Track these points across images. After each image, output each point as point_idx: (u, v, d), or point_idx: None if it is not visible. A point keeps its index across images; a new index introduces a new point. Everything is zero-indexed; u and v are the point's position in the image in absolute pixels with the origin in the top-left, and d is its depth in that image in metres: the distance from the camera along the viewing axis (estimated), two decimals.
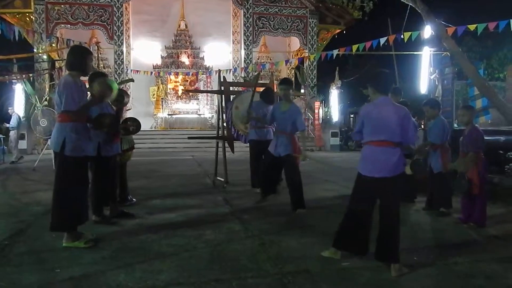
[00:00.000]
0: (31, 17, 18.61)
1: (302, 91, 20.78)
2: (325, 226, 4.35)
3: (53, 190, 3.64)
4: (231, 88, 7.68)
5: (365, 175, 3.20)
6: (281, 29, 21.14)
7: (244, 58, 20.74)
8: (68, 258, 3.28)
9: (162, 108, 20.71)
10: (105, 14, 19.28)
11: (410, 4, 7.47)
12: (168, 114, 20.53)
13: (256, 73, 19.96)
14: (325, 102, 19.68)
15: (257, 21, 20.83)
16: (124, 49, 19.84)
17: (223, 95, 7.21)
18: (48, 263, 3.19)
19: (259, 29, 20.93)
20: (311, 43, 21.20)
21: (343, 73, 23.02)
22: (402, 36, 10.74)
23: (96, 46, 15.48)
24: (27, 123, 13.61)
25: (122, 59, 19.69)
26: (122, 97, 4.73)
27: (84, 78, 3.95)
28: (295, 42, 22.59)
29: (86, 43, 16.33)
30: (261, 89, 6.49)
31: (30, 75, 15.99)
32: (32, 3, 18.20)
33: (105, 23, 19.28)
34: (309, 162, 11.92)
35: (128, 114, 11.47)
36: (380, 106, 3.20)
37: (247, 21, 20.70)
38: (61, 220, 3.57)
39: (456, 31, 8.88)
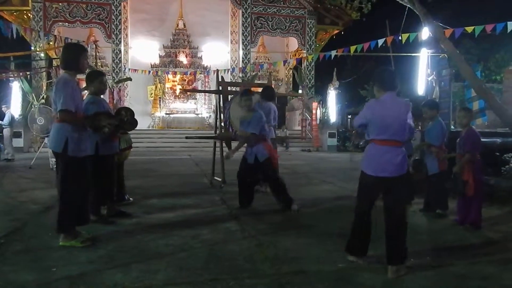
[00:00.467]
0: (29, 14, 18.57)
1: (300, 91, 20.81)
2: (323, 227, 4.37)
3: (58, 192, 3.61)
4: (229, 88, 7.70)
5: (370, 175, 3.15)
6: (279, 30, 21.17)
7: (242, 58, 20.76)
8: (64, 257, 3.27)
9: (160, 107, 20.70)
10: (103, 13, 19.24)
11: (408, 5, 7.50)
12: (166, 114, 20.52)
13: (253, 73, 20.05)
14: (323, 102, 19.72)
15: (256, 21, 20.85)
16: (122, 48, 19.82)
17: (221, 95, 7.23)
18: (45, 262, 3.17)
19: (257, 29, 20.95)
20: (309, 43, 21.23)
21: (341, 74, 23.09)
22: (400, 38, 10.78)
23: (94, 45, 15.45)
24: (23, 121, 13.57)
25: (120, 58, 19.67)
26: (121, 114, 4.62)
27: (80, 76, 3.91)
28: (293, 43, 22.62)
29: (84, 41, 16.30)
30: (260, 89, 6.52)
31: (28, 73, 15.95)
32: (29, 1, 18.16)
33: (103, 22, 19.26)
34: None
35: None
36: (386, 103, 3.13)
37: (246, 21, 20.71)
38: (67, 221, 3.55)
39: (453, 33, 8.92)
